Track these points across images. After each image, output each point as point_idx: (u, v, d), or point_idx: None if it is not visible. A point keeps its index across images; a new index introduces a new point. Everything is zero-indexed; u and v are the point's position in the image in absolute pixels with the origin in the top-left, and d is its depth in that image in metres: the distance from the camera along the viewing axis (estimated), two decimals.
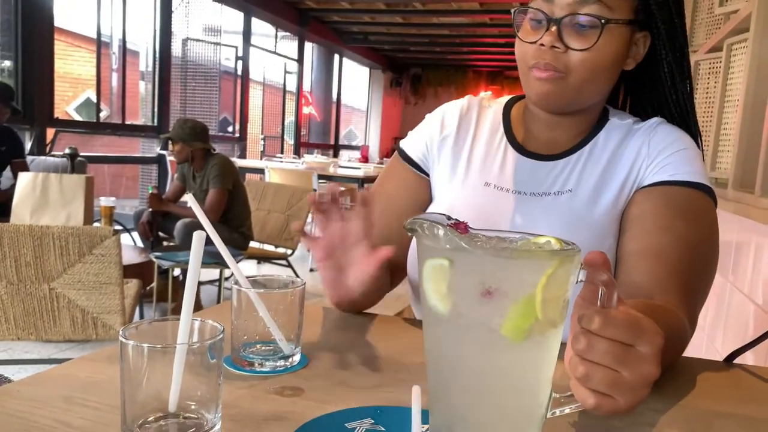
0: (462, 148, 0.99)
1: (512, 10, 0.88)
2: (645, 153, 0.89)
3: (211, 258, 3.25)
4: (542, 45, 0.83)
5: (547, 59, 0.83)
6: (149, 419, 0.53)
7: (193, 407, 0.54)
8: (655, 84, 0.93)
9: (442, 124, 1.02)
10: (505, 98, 1.05)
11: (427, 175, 1.03)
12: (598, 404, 0.48)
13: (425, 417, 0.57)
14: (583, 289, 0.51)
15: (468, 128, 1.01)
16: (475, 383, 0.51)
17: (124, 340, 0.50)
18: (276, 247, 4.30)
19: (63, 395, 0.59)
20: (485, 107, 1.03)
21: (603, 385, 0.47)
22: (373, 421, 0.57)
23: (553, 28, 0.82)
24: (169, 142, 3.72)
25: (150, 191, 3.63)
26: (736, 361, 0.81)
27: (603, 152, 0.93)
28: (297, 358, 0.72)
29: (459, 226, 0.53)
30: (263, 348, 0.71)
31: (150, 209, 3.66)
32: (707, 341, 1.80)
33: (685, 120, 0.93)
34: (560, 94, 0.85)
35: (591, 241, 0.86)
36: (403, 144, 1.06)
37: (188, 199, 0.68)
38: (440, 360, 0.53)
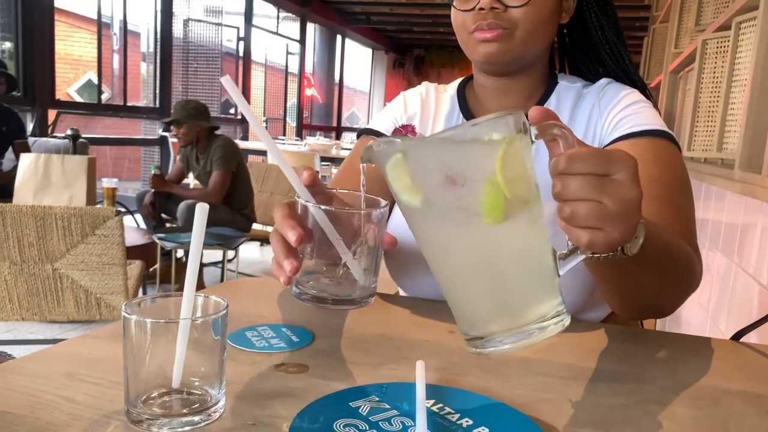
0: (425, 130, 1.01)
1: None
2: (597, 114, 0.91)
3: (214, 240, 3.25)
4: (482, 9, 0.85)
5: (489, 20, 0.85)
6: (153, 395, 0.52)
7: (197, 383, 0.53)
8: (588, 37, 0.96)
9: (405, 106, 1.04)
10: (458, 80, 1.06)
11: None
12: (591, 240, 0.48)
13: (429, 392, 0.56)
14: (550, 158, 0.51)
15: (429, 111, 1.02)
16: (477, 272, 0.52)
17: (126, 315, 0.50)
18: None
19: (66, 372, 0.59)
20: (441, 92, 1.05)
21: (589, 218, 0.48)
22: (378, 399, 0.56)
23: None
24: (172, 125, 3.67)
25: (152, 171, 3.61)
26: (742, 340, 0.81)
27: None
28: (372, 300, 0.61)
29: (406, 129, 0.54)
30: (325, 278, 0.61)
31: (153, 190, 3.65)
32: (711, 322, 1.79)
33: (625, 70, 0.96)
34: (507, 51, 0.87)
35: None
36: (369, 125, 1.06)
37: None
38: (440, 262, 0.54)
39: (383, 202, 0.62)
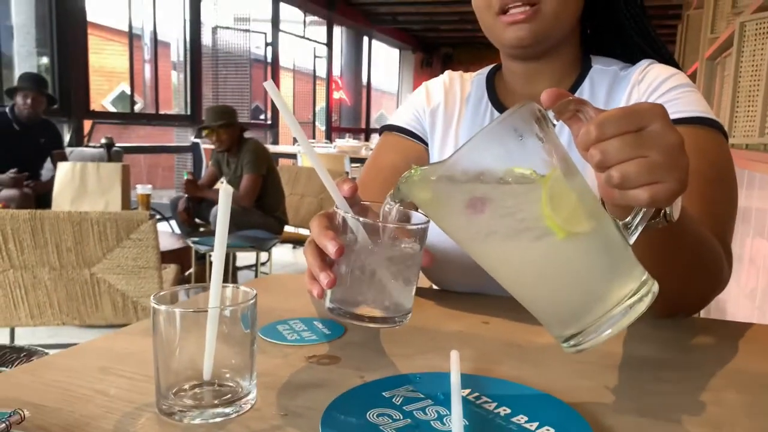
0: (451, 120, 0.98)
1: None
2: (636, 96, 0.86)
3: (247, 242, 3.28)
4: None
5: None
6: (184, 387, 0.52)
7: (227, 375, 0.53)
8: (612, 11, 0.90)
9: (428, 97, 1.00)
10: (488, 68, 1.02)
11: (425, 144, 0.99)
12: (653, 195, 0.46)
13: (465, 381, 0.55)
14: (574, 136, 0.50)
15: (455, 100, 0.99)
16: (552, 279, 0.50)
17: (156, 306, 0.49)
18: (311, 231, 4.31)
19: (98, 366, 0.59)
20: (467, 80, 1.02)
21: (642, 175, 0.46)
22: (411, 389, 0.55)
23: None
24: (203, 131, 3.69)
25: (185, 177, 3.66)
26: None
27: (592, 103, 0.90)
28: (408, 318, 0.58)
29: None
30: (361, 294, 0.57)
31: (186, 195, 3.70)
32: (758, 312, 1.73)
33: (653, 46, 0.91)
34: (538, 30, 0.83)
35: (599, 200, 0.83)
36: (391, 121, 1.03)
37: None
38: (511, 278, 0.53)
39: (425, 219, 0.57)
